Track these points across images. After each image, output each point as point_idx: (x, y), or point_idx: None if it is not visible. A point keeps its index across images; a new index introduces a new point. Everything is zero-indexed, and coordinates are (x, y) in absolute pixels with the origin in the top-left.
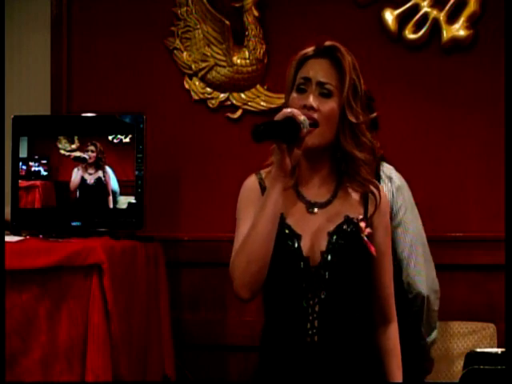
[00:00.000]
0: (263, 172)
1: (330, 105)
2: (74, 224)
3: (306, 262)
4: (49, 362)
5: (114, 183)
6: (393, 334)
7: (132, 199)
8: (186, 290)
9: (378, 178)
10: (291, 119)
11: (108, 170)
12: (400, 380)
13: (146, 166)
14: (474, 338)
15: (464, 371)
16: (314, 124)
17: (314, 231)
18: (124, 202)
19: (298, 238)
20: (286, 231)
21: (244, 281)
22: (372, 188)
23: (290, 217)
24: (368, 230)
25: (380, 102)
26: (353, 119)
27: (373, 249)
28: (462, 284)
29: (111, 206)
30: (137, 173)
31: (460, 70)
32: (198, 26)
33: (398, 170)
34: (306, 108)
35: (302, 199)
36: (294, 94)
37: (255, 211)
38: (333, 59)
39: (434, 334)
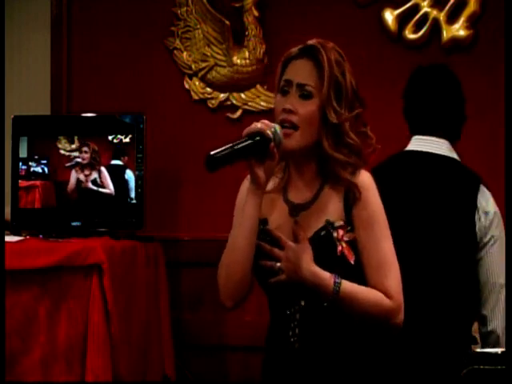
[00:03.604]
0: None
1: (310, 107)
2: (73, 224)
3: None
4: (49, 361)
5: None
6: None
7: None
8: (185, 290)
9: (475, 207)
10: (259, 134)
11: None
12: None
13: (146, 166)
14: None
15: (464, 371)
16: (294, 127)
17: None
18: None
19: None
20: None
21: (226, 292)
22: (352, 187)
23: (274, 221)
24: (348, 236)
25: (380, 101)
26: (333, 119)
27: (351, 257)
28: None
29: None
30: (137, 173)
31: (460, 70)
32: (198, 26)
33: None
34: (285, 111)
35: (287, 202)
36: (278, 97)
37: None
38: (315, 59)
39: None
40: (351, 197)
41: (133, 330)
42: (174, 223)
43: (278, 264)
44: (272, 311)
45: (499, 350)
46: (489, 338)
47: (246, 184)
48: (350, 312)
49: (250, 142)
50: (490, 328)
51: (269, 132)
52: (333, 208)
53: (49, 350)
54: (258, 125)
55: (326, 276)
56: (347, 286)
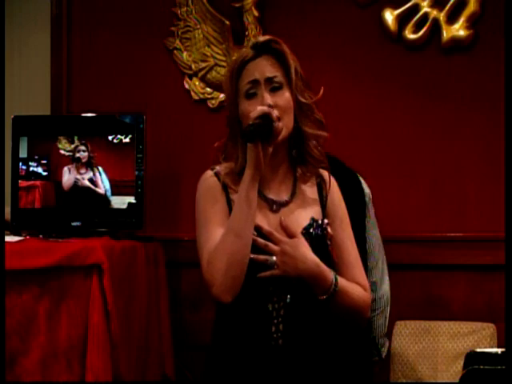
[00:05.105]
0: (220, 169)
1: (285, 96)
2: (74, 224)
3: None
4: (48, 362)
5: (105, 183)
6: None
7: (132, 199)
8: (186, 290)
9: (362, 190)
10: (267, 117)
11: (99, 169)
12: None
13: (146, 165)
14: (474, 338)
15: (464, 371)
16: (278, 119)
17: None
18: (124, 202)
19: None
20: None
21: (226, 285)
22: (322, 173)
23: (255, 217)
24: (331, 234)
25: (380, 101)
26: (305, 100)
27: (334, 255)
28: (462, 284)
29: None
30: (137, 173)
31: (460, 70)
32: (198, 26)
33: (396, 169)
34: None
35: (264, 198)
36: (246, 102)
37: (223, 209)
38: (270, 53)
39: (386, 346)
40: (325, 195)
41: (133, 330)
42: (174, 223)
43: (274, 258)
44: (245, 306)
45: (499, 350)
46: (382, 300)
47: (210, 181)
48: (341, 305)
49: (264, 116)
50: (382, 290)
51: (273, 115)
52: (311, 205)
53: (49, 350)
54: (265, 108)
55: (327, 268)
56: (340, 279)
